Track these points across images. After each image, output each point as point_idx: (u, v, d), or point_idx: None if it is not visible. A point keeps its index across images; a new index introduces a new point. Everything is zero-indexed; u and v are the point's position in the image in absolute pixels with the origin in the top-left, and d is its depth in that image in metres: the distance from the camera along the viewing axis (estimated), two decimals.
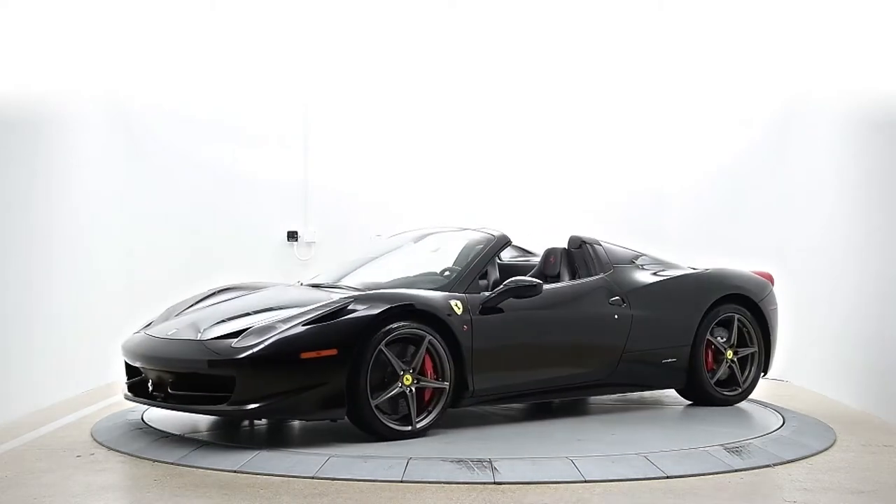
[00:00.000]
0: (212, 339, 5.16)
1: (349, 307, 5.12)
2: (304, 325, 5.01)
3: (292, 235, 9.47)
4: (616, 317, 6.12)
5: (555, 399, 6.23)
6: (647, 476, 4.50)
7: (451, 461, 4.66)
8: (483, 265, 5.90)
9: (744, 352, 6.56)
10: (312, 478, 4.44)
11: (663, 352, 6.29)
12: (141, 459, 4.88)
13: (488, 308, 5.59)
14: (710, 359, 6.46)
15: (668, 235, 9.63)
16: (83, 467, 4.75)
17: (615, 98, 9.87)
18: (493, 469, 4.53)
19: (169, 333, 5.49)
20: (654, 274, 6.50)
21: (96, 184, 8.02)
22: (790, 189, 8.41)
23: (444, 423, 5.68)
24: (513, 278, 5.71)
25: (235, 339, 5.02)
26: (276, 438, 5.30)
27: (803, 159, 8.14)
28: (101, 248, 8.12)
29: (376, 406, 5.10)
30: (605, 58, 9.86)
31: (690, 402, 6.59)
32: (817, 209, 7.76)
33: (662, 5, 9.86)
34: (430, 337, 5.25)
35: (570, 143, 9.86)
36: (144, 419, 5.91)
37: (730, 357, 6.50)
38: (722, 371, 6.48)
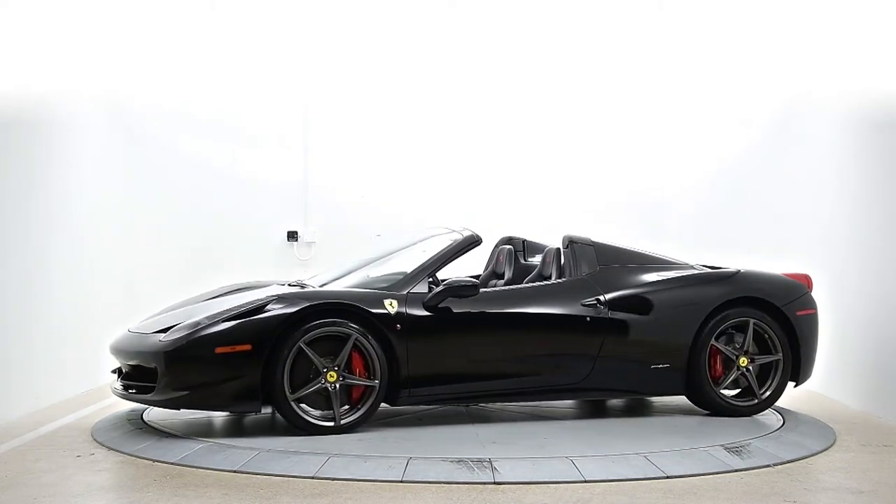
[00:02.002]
0: (152, 332, 5.53)
1: (267, 306, 5.31)
2: (224, 322, 5.27)
3: (292, 235, 9.47)
4: (588, 319, 5.82)
5: (510, 402, 6.22)
6: (647, 476, 4.50)
7: (451, 461, 4.67)
8: (437, 265, 5.86)
9: (763, 360, 6.08)
10: (312, 478, 4.44)
11: (652, 356, 5.91)
12: (141, 459, 4.89)
13: (429, 307, 5.59)
14: (717, 365, 6.04)
15: (669, 235, 9.63)
16: (83, 467, 4.75)
17: (615, 98, 9.86)
18: (493, 469, 4.53)
19: (134, 328, 5.89)
20: (649, 275, 6.14)
21: (96, 184, 8.02)
22: (790, 189, 8.41)
23: (444, 424, 5.68)
24: (452, 278, 5.72)
25: (164, 335, 5.39)
26: (276, 438, 5.30)
27: (803, 159, 8.13)
28: (101, 248, 8.12)
29: (296, 400, 5.31)
30: (605, 58, 9.86)
31: (707, 413, 6.13)
32: (817, 209, 7.76)
33: (662, 5, 9.86)
34: (358, 335, 5.36)
35: (571, 143, 9.86)
36: (144, 419, 5.91)
37: (743, 364, 6.04)
38: (730, 378, 6.04)
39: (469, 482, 4.36)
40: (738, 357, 6.03)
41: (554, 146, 9.84)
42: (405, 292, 5.63)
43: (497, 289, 6.02)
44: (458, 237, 6.06)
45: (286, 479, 4.45)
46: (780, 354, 6.08)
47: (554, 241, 6.55)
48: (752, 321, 6.03)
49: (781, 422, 5.87)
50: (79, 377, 7.48)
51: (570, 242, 6.24)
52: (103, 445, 5.25)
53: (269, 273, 8.05)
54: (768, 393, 6.09)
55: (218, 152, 9.30)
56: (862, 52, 6.91)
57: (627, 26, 9.87)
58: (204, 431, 5.49)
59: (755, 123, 8.97)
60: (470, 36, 9.77)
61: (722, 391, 6.03)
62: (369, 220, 9.23)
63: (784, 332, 6.09)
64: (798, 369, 6.13)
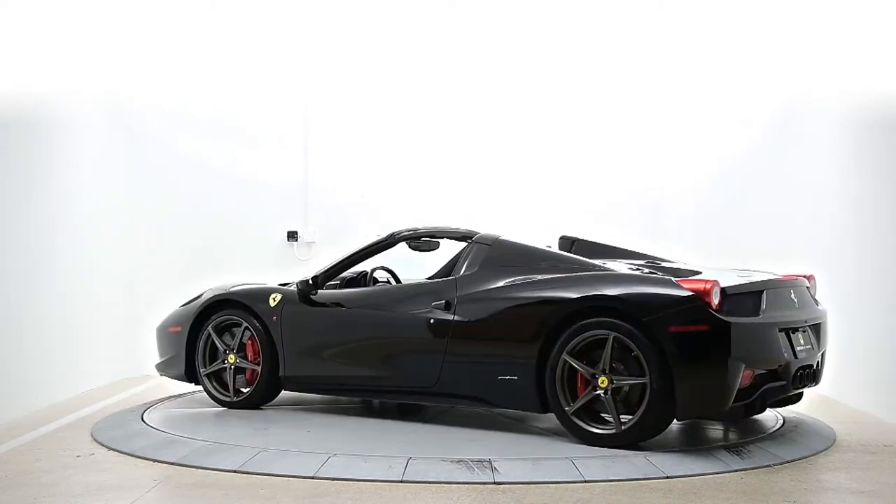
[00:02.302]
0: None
1: (202, 296, 6.58)
2: (180, 307, 6.77)
3: (292, 235, 9.46)
4: (432, 321, 5.55)
5: (375, 399, 6.28)
6: (647, 476, 4.50)
7: (451, 461, 4.66)
8: (348, 263, 6.31)
9: (623, 382, 4.96)
10: (312, 478, 4.44)
11: (498, 366, 5.32)
12: (141, 459, 4.89)
13: (308, 302, 6.17)
14: (581, 384, 5.08)
15: (669, 235, 9.62)
16: (83, 467, 4.75)
17: (615, 98, 9.86)
18: (493, 469, 4.53)
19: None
20: (518, 277, 5.44)
21: (96, 184, 8.02)
22: (790, 189, 8.41)
23: (444, 423, 5.68)
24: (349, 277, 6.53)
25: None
26: (276, 438, 5.30)
27: (803, 159, 8.13)
28: (102, 249, 8.12)
29: (206, 375, 6.47)
30: (605, 58, 9.86)
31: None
32: (817, 209, 7.76)
33: (662, 5, 9.85)
34: (246, 324, 6.29)
35: (571, 143, 9.85)
36: (144, 419, 5.91)
37: (603, 385, 4.98)
38: (583, 401, 5.05)
39: (469, 482, 4.36)
40: (595, 376, 5.01)
41: (554, 146, 9.84)
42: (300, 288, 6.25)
43: (360, 289, 6.27)
44: (381, 237, 6.26)
45: (286, 479, 4.45)
46: (647, 378, 4.86)
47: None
48: (612, 335, 4.95)
49: (781, 422, 5.87)
50: (79, 377, 7.48)
51: (472, 241, 5.82)
52: (103, 445, 5.26)
53: (269, 273, 8.05)
54: (631, 423, 4.93)
55: (218, 152, 9.29)
56: (862, 52, 6.91)
57: (627, 26, 9.86)
58: (204, 431, 5.49)
59: (755, 123, 8.97)
60: (470, 36, 9.77)
61: (575, 416, 5.08)
62: (369, 220, 9.22)
63: (657, 350, 4.84)
64: (672, 399, 4.82)
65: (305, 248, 9.48)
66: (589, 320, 5.03)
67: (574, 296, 5.10)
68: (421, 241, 6.29)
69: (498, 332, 5.35)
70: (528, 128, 9.84)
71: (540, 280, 5.33)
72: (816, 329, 5.57)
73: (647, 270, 5.41)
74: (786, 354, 5.06)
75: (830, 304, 7.33)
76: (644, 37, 9.84)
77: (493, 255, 5.65)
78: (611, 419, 4.99)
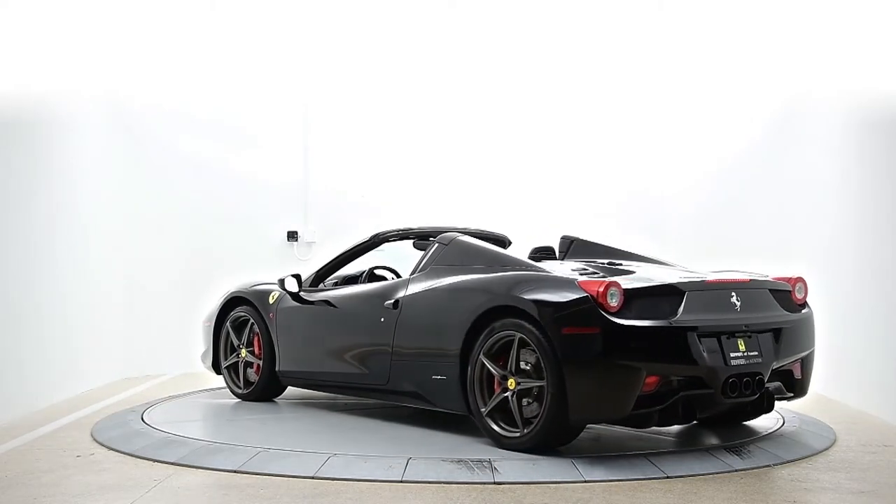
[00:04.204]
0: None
1: (226, 295, 6.94)
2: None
3: (292, 235, 9.46)
4: (382, 320, 5.64)
5: (350, 396, 6.43)
6: (647, 476, 4.50)
7: (451, 461, 4.66)
8: (338, 263, 6.52)
9: (525, 385, 4.87)
10: (312, 478, 4.44)
11: (431, 366, 5.34)
12: (141, 459, 4.89)
13: (299, 300, 6.42)
14: (496, 385, 5.01)
15: (669, 235, 9.63)
16: (83, 467, 4.75)
17: (615, 98, 9.86)
18: (493, 469, 4.53)
19: None
20: (460, 277, 5.40)
21: (96, 184, 8.03)
22: (790, 189, 8.41)
23: (444, 423, 5.68)
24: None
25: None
26: (277, 438, 5.30)
27: (803, 159, 8.13)
28: (102, 249, 8.12)
29: (226, 368, 6.89)
30: (605, 58, 9.86)
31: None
32: (818, 209, 7.76)
33: (662, 5, 9.86)
34: (253, 320, 6.68)
35: (571, 143, 9.86)
36: (144, 419, 5.91)
37: (511, 387, 4.91)
38: (493, 402, 5.00)
39: (469, 482, 4.36)
40: (505, 378, 4.94)
41: (554, 147, 9.84)
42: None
43: (340, 288, 6.39)
44: (365, 238, 6.47)
45: (286, 479, 4.45)
46: (546, 381, 4.74)
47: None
48: (517, 336, 4.88)
49: (781, 422, 5.87)
50: (79, 377, 7.49)
51: (434, 240, 5.84)
52: (103, 445, 5.26)
53: (269, 273, 8.06)
54: (534, 427, 4.80)
55: (218, 152, 9.29)
56: (862, 52, 6.91)
57: (627, 26, 9.87)
58: (204, 431, 5.49)
59: (755, 123, 8.97)
60: (470, 36, 9.77)
61: (489, 417, 5.02)
62: (369, 220, 9.22)
63: (553, 352, 4.71)
64: (566, 403, 4.66)
65: (305, 248, 9.48)
66: (501, 321, 4.96)
67: (484, 297, 5.07)
68: (427, 240, 6.23)
69: (429, 332, 5.37)
70: (528, 127, 9.84)
71: (468, 280, 5.31)
72: (777, 334, 5.07)
73: (590, 270, 5.28)
74: (708, 361, 4.72)
75: (830, 303, 7.33)
76: (644, 37, 9.84)
77: (445, 254, 5.66)
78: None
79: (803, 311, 5.38)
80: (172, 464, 4.76)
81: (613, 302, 4.66)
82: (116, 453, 5.06)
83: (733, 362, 4.81)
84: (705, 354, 4.73)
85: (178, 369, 8.81)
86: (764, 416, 5.99)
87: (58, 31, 7.28)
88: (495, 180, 9.70)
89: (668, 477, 4.49)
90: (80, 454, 5.05)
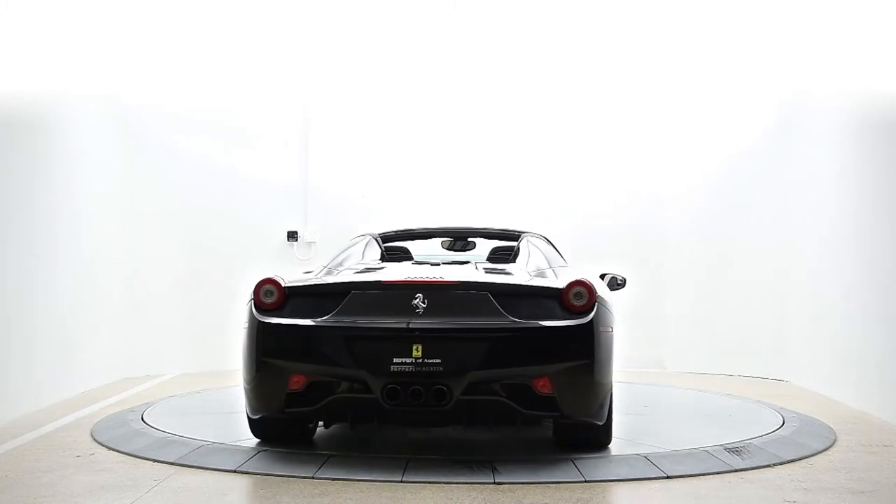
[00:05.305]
0: None
1: None
2: None
3: (292, 235, 9.46)
4: None
5: None
6: (647, 476, 4.50)
7: (451, 461, 4.66)
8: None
9: None
10: (312, 478, 4.44)
11: None
12: (141, 459, 4.88)
13: None
14: None
15: (669, 235, 9.63)
16: (83, 467, 4.74)
17: (615, 99, 9.86)
18: (493, 469, 4.53)
19: None
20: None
21: (96, 184, 8.02)
22: (790, 189, 8.41)
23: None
24: None
25: None
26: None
27: (803, 160, 8.13)
28: (102, 249, 8.12)
29: None
30: (605, 60, 9.86)
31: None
32: (818, 209, 7.76)
33: (662, 6, 9.85)
34: None
35: (571, 144, 9.86)
36: (144, 419, 5.91)
37: None
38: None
39: (469, 482, 4.36)
40: None
41: (554, 148, 9.84)
42: None
43: None
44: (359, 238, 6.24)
45: (286, 479, 4.44)
46: None
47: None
48: None
49: (781, 422, 5.87)
50: (79, 377, 7.48)
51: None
52: (103, 445, 5.25)
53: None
54: None
55: (218, 152, 9.30)
56: (862, 52, 6.91)
57: (627, 27, 9.86)
58: (204, 431, 5.49)
59: (755, 123, 8.97)
60: (471, 39, 9.77)
61: None
62: (369, 220, 9.22)
63: None
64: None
65: (305, 248, 9.48)
66: None
67: None
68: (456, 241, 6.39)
69: None
70: (528, 128, 9.84)
71: None
72: (485, 343, 4.62)
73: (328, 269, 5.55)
74: (360, 364, 4.60)
75: (831, 303, 7.31)
76: (644, 38, 9.84)
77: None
78: None
79: (568, 321, 4.65)
80: (172, 464, 4.75)
81: (268, 299, 4.81)
82: (116, 453, 5.06)
83: (395, 368, 4.54)
84: (355, 358, 4.63)
85: (178, 369, 8.81)
86: (763, 416, 5.99)
87: (58, 30, 7.27)
88: (495, 181, 9.70)
89: (668, 477, 4.49)
90: (80, 454, 5.05)
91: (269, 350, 4.76)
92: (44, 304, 6.80)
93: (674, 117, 9.75)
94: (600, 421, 4.78)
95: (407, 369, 4.54)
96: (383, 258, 6.01)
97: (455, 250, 6.55)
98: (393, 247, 6.32)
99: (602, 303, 4.78)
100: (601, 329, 4.70)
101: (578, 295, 4.68)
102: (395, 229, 6.70)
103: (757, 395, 7.36)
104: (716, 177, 9.37)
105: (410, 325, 4.61)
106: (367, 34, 9.70)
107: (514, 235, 6.35)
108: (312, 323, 4.70)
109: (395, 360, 4.54)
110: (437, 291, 4.70)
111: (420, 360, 4.54)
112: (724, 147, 9.30)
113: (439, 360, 4.54)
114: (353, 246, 6.05)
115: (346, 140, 9.67)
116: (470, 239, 6.61)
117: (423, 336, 4.58)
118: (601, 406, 4.73)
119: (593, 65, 9.85)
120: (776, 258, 8.65)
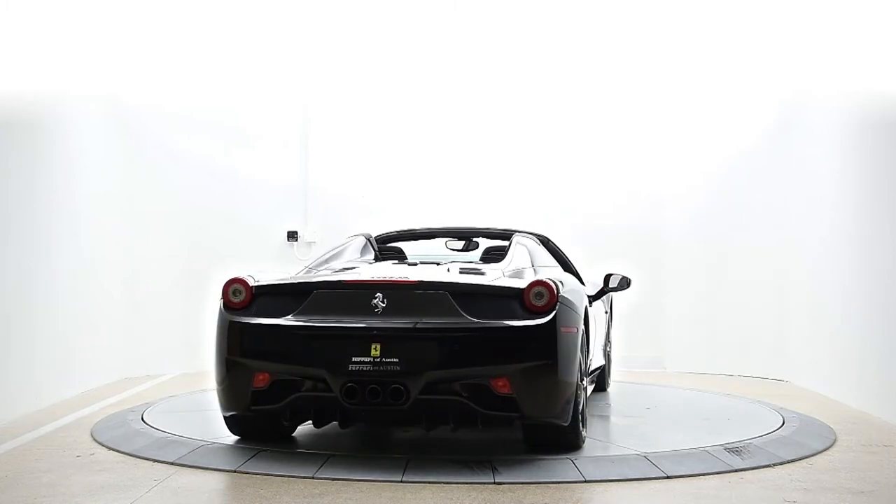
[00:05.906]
0: None
1: None
2: None
3: (292, 235, 9.46)
4: None
5: None
6: (647, 476, 4.50)
7: (451, 461, 4.66)
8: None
9: None
10: (312, 478, 4.44)
11: None
12: (141, 459, 4.88)
13: None
14: None
15: (669, 235, 9.63)
16: (83, 467, 4.74)
17: (615, 99, 9.87)
18: (493, 469, 4.53)
19: None
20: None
21: (96, 184, 8.02)
22: (790, 189, 8.41)
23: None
24: None
25: None
26: (276, 438, 5.29)
27: (803, 160, 8.14)
28: (102, 249, 8.12)
29: None
30: (605, 60, 9.86)
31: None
32: (818, 210, 7.76)
33: (662, 6, 9.86)
34: None
35: (571, 144, 9.86)
36: (144, 419, 5.91)
37: None
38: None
39: (469, 482, 4.35)
40: None
41: (554, 148, 9.85)
42: None
43: None
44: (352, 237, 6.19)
45: (286, 479, 4.44)
46: None
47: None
48: None
49: (781, 422, 5.87)
50: (79, 377, 7.48)
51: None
52: (103, 445, 5.25)
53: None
54: None
55: (218, 152, 9.30)
56: (862, 53, 6.91)
57: (627, 28, 9.87)
58: (204, 431, 5.49)
59: (755, 123, 8.98)
60: (471, 39, 9.78)
61: None
62: (369, 220, 9.22)
63: None
64: None
65: (305, 248, 9.48)
66: None
67: None
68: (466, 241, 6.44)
69: None
70: (528, 129, 9.84)
71: None
72: (443, 342, 4.63)
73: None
74: (318, 363, 4.64)
75: (831, 303, 7.31)
76: (643, 38, 9.84)
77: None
78: None
79: (527, 321, 4.62)
80: (172, 464, 4.75)
81: (236, 298, 4.91)
82: (116, 453, 5.06)
83: (354, 367, 4.57)
84: (316, 356, 4.67)
85: (178, 369, 8.81)
86: (763, 416, 5.99)
87: (58, 31, 7.27)
88: (495, 181, 9.71)
89: (668, 477, 4.49)
90: (80, 454, 5.05)
91: (235, 348, 4.85)
92: (44, 304, 6.80)
93: (674, 117, 9.76)
94: (564, 422, 4.75)
95: (365, 368, 4.57)
96: (377, 258, 6.01)
97: (457, 250, 6.55)
98: (388, 247, 6.32)
99: (566, 303, 4.76)
100: (563, 329, 4.67)
101: (538, 295, 4.66)
102: (396, 229, 6.71)
103: (757, 395, 7.36)
104: (716, 177, 9.37)
105: (369, 325, 4.64)
106: (367, 34, 9.70)
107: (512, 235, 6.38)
108: (276, 322, 4.76)
109: (353, 359, 4.58)
110: (397, 291, 4.73)
111: (378, 360, 4.57)
112: (724, 147, 9.30)
113: (397, 360, 4.57)
114: (342, 246, 6.07)
115: (346, 140, 9.67)
116: (474, 239, 6.62)
117: (380, 335, 4.61)
118: (564, 407, 4.70)
119: (593, 65, 9.86)
120: (776, 258, 8.65)
